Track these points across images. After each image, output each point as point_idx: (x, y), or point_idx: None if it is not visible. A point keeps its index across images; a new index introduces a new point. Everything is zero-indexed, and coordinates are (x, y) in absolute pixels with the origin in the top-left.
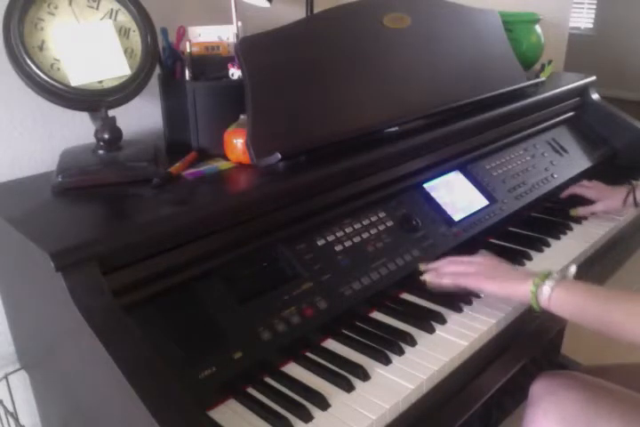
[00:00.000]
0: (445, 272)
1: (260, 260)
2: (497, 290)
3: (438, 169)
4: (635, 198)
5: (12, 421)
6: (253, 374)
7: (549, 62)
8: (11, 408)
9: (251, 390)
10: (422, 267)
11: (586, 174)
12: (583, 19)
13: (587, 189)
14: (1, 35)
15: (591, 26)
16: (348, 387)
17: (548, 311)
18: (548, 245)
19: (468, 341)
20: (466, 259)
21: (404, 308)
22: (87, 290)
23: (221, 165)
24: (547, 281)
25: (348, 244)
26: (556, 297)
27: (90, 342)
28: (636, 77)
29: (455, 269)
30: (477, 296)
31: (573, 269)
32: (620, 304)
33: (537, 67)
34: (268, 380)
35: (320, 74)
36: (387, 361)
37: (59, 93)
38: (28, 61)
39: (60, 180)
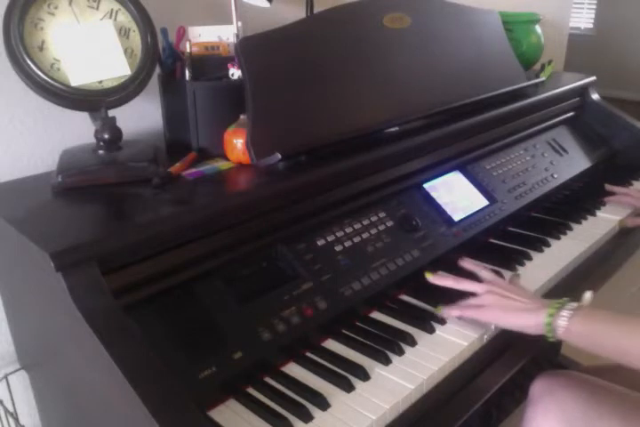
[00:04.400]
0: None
1: (259, 260)
2: (508, 324)
3: (438, 169)
4: None
5: (11, 421)
6: (253, 374)
7: (549, 62)
8: (11, 408)
9: (251, 390)
10: (430, 277)
11: (586, 174)
12: (583, 19)
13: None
14: (1, 35)
15: (591, 26)
16: (348, 387)
17: (564, 341)
18: (548, 245)
19: (468, 341)
20: (473, 288)
21: (404, 308)
22: (87, 290)
23: (221, 165)
24: (562, 311)
25: (348, 244)
26: (572, 328)
27: (90, 342)
28: (636, 77)
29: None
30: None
31: (589, 295)
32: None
33: (537, 67)
34: (268, 380)
35: (320, 74)
36: (387, 361)
37: (59, 93)
38: (28, 61)
39: (59, 180)
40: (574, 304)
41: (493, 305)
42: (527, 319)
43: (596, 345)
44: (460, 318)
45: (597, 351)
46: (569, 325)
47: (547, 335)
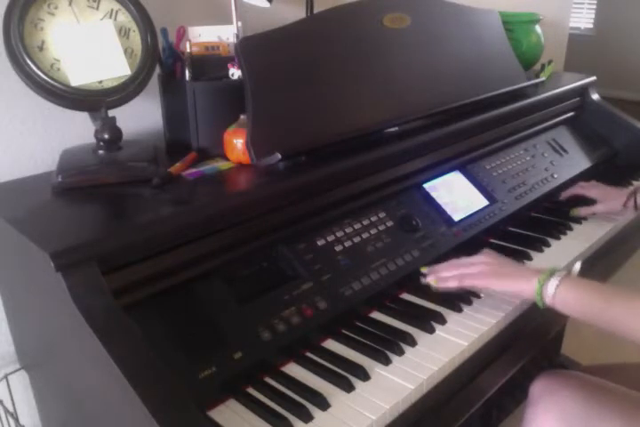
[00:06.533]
0: (449, 276)
1: (259, 260)
2: (503, 288)
3: (438, 169)
4: (635, 202)
5: (11, 421)
6: (253, 374)
7: (549, 62)
8: (11, 408)
9: (251, 390)
10: (425, 270)
11: (586, 174)
12: (583, 19)
13: (588, 189)
14: (1, 35)
15: (591, 26)
16: (348, 387)
17: (552, 309)
18: (548, 245)
19: (468, 341)
20: (468, 260)
21: (403, 308)
22: (87, 290)
23: (221, 165)
24: (551, 279)
25: (348, 244)
26: (559, 295)
27: (90, 342)
28: (636, 77)
29: (460, 271)
30: (477, 296)
31: (578, 266)
32: (621, 301)
33: (537, 67)
34: (268, 380)
35: (320, 74)
36: (387, 361)
37: (59, 93)
38: (28, 61)
39: (60, 180)
40: (563, 273)
41: (488, 271)
42: (520, 285)
43: (581, 313)
44: (459, 287)
45: (583, 319)
46: (556, 292)
47: (537, 302)
